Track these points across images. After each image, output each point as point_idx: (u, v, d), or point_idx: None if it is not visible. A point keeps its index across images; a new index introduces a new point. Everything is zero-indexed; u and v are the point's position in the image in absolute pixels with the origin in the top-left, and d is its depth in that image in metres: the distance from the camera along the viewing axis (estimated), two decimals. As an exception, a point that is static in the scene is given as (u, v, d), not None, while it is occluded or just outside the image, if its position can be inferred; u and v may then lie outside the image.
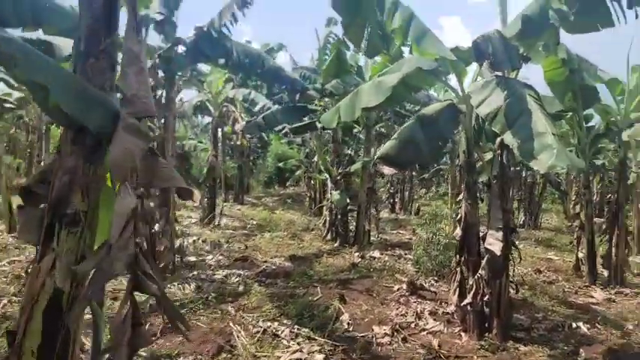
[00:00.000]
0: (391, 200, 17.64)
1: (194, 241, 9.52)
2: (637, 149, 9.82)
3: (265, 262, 8.32)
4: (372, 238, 10.86)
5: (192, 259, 8.20)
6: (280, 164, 20.32)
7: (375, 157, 4.11)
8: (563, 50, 6.69)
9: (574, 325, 5.72)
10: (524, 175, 14.96)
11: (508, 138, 4.23)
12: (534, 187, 15.32)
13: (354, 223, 10.23)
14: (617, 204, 7.96)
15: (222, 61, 7.85)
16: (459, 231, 5.35)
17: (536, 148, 4.00)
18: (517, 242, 11.82)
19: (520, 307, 6.29)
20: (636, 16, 4.26)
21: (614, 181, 9.44)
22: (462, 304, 5.18)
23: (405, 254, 9.21)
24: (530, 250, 11.06)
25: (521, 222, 15.12)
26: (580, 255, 8.44)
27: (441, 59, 5.08)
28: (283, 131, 11.80)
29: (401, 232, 12.89)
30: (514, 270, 5.52)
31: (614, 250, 7.97)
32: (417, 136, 4.12)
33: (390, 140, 4.74)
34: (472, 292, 5.12)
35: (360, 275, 7.56)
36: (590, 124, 8.93)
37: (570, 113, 8.40)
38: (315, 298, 6.21)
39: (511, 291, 5.62)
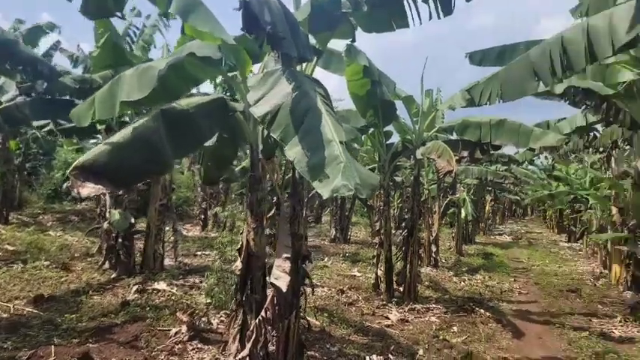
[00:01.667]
0: (202, 216, 16.07)
1: None
2: (428, 168, 10.43)
3: (-7, 308, 5.99)
4: (167, 264, 9.21)
5: None
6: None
7: (70, 168, 2.68)
8: (364, 58, 6.34)
9: (367, 358, 5.18)
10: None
11: (290, 149, 3.27)
12: (345, 200, 15.64)
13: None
14: (412, 220, 8.06)
15: None
16: (239, 263, 4.26)
17: (321, 162, 3.10)
18: (324, 260, 11.87)
19: (315, 343, 5.54)
20: (430, 18, 3.84)
21: (408, 198, 9.72)
22: (237, 357, 4.07)
23: (201, 282, 7.85)
24: (338, 267, 10.87)
25: (332, 237, 15.24)
26: (379, 272, 8.33)
27: (224, 45, 3.99)
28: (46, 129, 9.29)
29: (207, 252, 11.49)
30: (306, 305, 4.69)
31: (408, 266, 8.02)
32: (153, 138, 2.87)
33: (101, 144, 3.22)
34: (252, 340, 4.07)
35: (131, 318, 5.92)
36: (390, 140, 9.07)
37: (372, 129, 8.32)
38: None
39: (305, 327, 4.81)
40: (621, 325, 7.30)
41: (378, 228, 8.33)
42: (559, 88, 7.43)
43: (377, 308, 7.49)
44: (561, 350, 6.13)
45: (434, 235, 11.91)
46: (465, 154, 7.56)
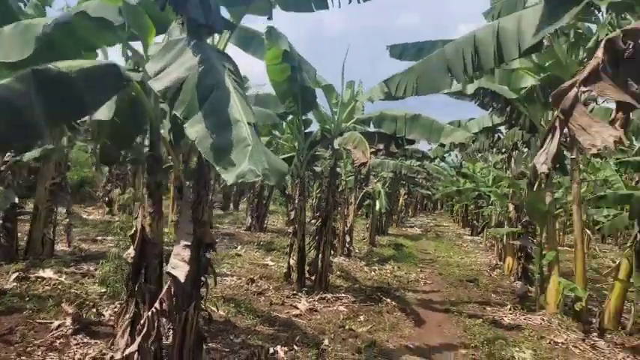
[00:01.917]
0: (106, 199, 14.91)
1: None
2: (347, 159, 10.51)
3: None
4: (59, 249, 8.35)
5: None
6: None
7: None
8: (285, 42, 6.12)
9: (271, 350, 5.05)
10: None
11: (191, 127, 2.97)
12: (264, 188, 15.37)
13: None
14: (326, 210, 8.04)
15: None
16: (132, 250, 3.88)
17: (226, 144, 2.84)
18: (238, 248, 11.56)
19: (218, 334, 5.29)
20: (349, 1, 3.72)
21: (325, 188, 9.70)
22: (125, 353, 3.70)
23: (96, 270, 7.19)
24: (251, 256, 10.63)
25: (248, 224, 14.92)
26: (292, 262, 8.23)
27: (125, 6, 3.54)
28: None
29: (109, 238, 10.64)
30: (207, 295, 4.41)
31: (320, 255, 8.01)
32: (19, 102, 2.42)
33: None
34: (143, 333, 3.72)
35: (6, 309, 5.23)
36: (310, 129, 8.96)
37: (291, 116, 8.14)
38: None
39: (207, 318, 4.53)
40: (510, 313, 7.88)
41: (292, 217, 8.21)
42: (470, 89, 7.80)
43: (287, 298, 7.39)
44: (457, 337, 6.46)
45: (349, 225, 12.10)
46: (381, 146, 7.68)
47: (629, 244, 7.25)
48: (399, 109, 7.83)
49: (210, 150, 2.82)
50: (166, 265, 3.94)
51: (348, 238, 12.00)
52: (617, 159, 10.71)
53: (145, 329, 3.70)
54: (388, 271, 11.00)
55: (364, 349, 5.44)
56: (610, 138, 2.35)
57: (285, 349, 5.15)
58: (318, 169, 16.25)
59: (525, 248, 9.55)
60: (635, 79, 2.38)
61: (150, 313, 3.76)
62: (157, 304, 3.77)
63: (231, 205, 21.51)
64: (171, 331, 4.14)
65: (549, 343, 6.36)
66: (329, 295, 7.74)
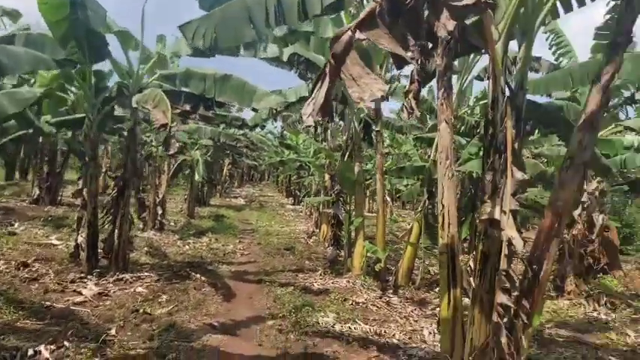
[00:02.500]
0: None
1: None
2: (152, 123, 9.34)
3: None
4: None
5: None
6: None
7: None
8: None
9: (31, 351, 4.01)
10: (41, 140, 12.31)
11: None
12: (56, 153, 12.96)
13: None
14: (124, 179, 6.95)
15: None
16: None
17: None
18: (15, 225, 9.48)
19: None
20: None
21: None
22: None
23: None
24: (31, 234, 8.79)
25: (35, 197, 12.45)
26: (80, 239, 6.96)
27: None
28: None
29: None
30: None
31: (117, 231, 6.93)
32: None
33: None
34: None
35: None
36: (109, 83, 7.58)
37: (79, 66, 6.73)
38: None
39: None
40: (321, 279, 8.11)
41: (80, 186, 6.89)
42: (285, 55, 7.52)
43: (70, 283, 6.21)
44: (266, 308, 6.28)
45: (160, 196, 11.02)
46: (188, 107, 6.88)
47: (419, 210, 8.06)
48: (213, 68, 7.11)
49: None
50: None
51: (160, 210, 10.94)
52: (415, 135, 11.99)
53: None
54: (204, 244, 10.41)
55: (158, 335, 4.79)
56: (378, 92, 2.16)
57: (52, 347, 4.16)
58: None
59: (337, 215, 9.99)
60: (414, 34, 2.22)
61: None
62: None
63: (17, 174, 17.82)
64: None
65: (351, 304, 6.66)
66: (127, 276, 6.78)
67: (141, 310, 5.46)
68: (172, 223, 12.18)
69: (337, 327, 5.55)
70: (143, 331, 4.88)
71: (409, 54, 2.14)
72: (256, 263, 9.17)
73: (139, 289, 6.36)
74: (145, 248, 8.88)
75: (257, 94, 6.56)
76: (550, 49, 8.22)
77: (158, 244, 9.63)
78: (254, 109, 6.94)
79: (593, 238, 7.53)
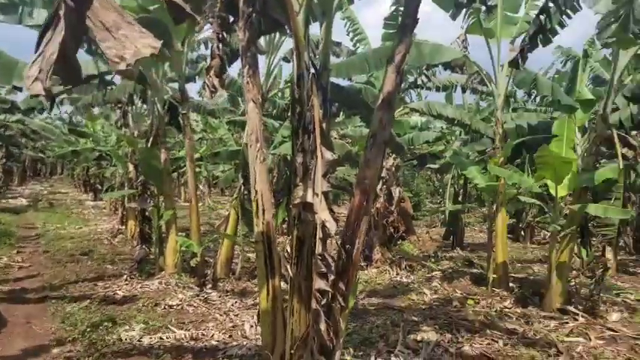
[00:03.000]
0: None
1: None
2: None
3: None
4: None
5: None
6: None
7: None
8: None
9: None
10: None
11: None
12: None
13: None
14: None
15: None
16: None
17: None
18: None
19: None
20: None
21: None
22: None
23: None
24: None
25: None
26: None
27: None
28: None
29: None
30: None
31: None
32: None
33: None
34: None
35: None
36: None
37: None
38: None
39: None
40: (126, 284, 7.07)
41: None
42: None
43: None
44: (51, 333, 5.06)
45: None
46: None
47: (234, 196, 7.66)
48: None
49: None
50: None
51: None
52: (228, 119, 11.52)
53: None
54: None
55: None
56: (147, 49, 1.62)
57: None
58: None
59: (144, 210, 8.89)
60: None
61: None
62: None
63: None
64: None
65: (164, 308, 5.94)
66: None
67: None
68: None
69: (145, 340, 4.81)
70: None
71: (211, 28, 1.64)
72: (40, 277, 7.50)
73: None
74: None
75: (19, 68, 5.08)
76: (348, 35, 8.66)
77: None
78: (15, 87, 5.39)
79: (393, 209, 8.32)
